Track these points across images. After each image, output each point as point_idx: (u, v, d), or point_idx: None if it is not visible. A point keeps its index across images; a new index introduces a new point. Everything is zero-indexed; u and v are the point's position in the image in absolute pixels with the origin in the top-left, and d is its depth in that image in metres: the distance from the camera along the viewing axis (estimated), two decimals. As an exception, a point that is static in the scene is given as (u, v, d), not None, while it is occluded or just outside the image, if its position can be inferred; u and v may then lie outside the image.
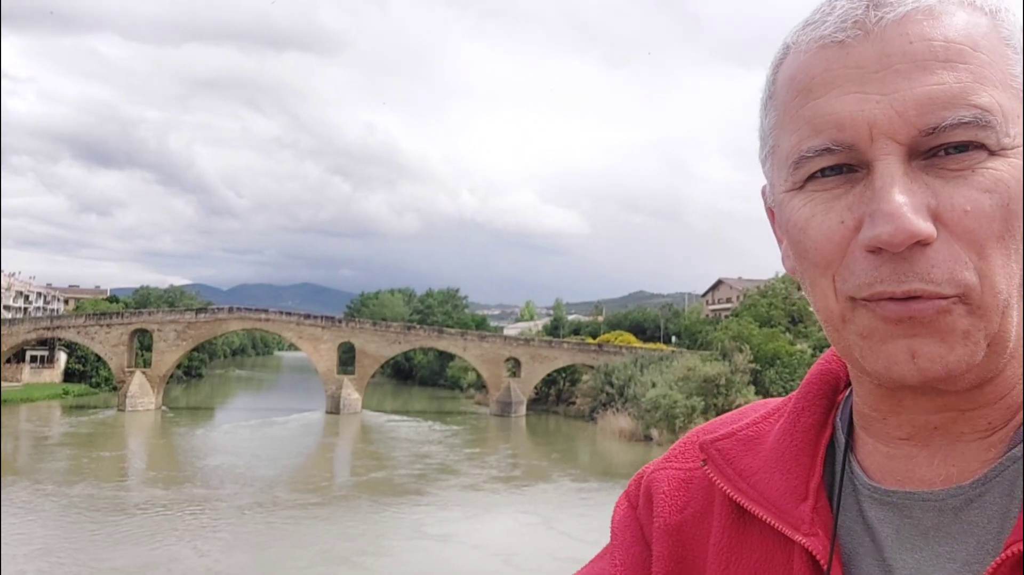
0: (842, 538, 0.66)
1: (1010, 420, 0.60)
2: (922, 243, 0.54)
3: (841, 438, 0.70)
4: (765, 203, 0.71)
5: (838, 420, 0.72)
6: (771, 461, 0.72)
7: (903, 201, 0.54)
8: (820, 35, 0.60)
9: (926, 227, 0.54)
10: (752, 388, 38.20)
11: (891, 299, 0.56)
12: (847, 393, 0.73)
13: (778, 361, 40.15)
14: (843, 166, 0.58)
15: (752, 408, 0.80)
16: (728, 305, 73.52)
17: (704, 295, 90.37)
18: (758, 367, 39.41)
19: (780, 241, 0.68)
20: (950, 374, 0.56)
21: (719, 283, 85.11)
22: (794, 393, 0.76)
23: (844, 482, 0.67)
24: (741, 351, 39.73)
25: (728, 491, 0.72)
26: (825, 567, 0.64)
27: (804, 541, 0.65)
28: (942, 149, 0.55)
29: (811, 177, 0.60)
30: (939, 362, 0.55)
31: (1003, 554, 0.55)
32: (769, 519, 0.68)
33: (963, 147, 0.55)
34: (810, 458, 0.70)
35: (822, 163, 0.59)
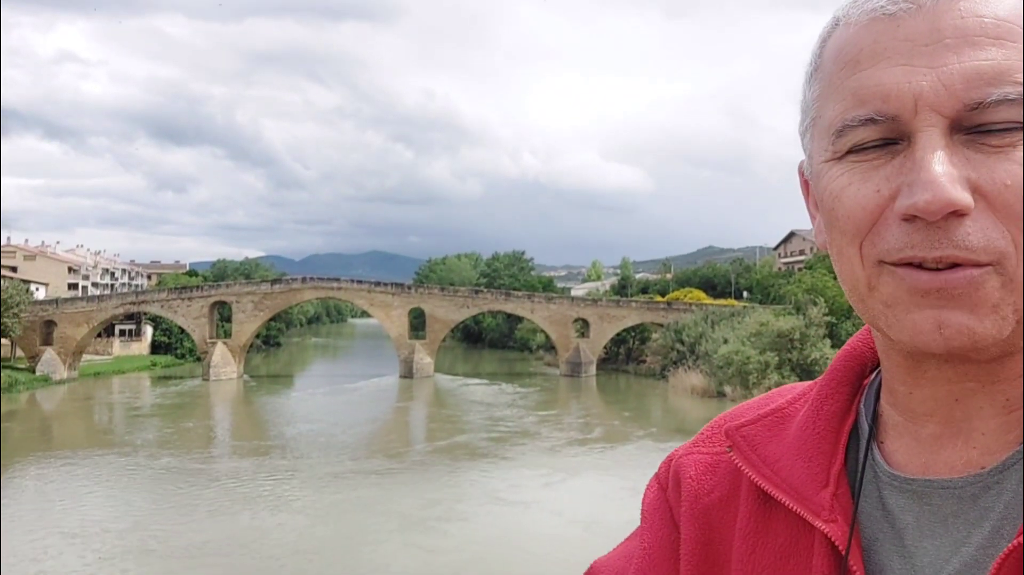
0: (862, 524, 0.67)
1: None
2: (959, 214, 0.55)
3: (864, 425, 0.71)
4: (800, 178, 0.72)
5: (862, 407, 0.73)
6: (794, 448, 0.73)
7: (942, 171, 0.55)
8: (872, 8, 0.60)
9: (964, 197, 0.54)
10: (828, 342, 37.12)
11: (921, 267, 0.56)
12: (873, 376, 0.74)
13: (854, 313, 38.76)
14: (884, 139, 0.59)
15: (778, 393, 0.82)
16: (801, 258, 71.50)
17: (776, 248, 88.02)
18: (834, 320, 38.24)
19: (813, 217, 0.69)
20: (976, 345, 0.57)
21: (791, 235, 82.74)
22: (820, 378, 0.77)
23: (865, 470, 0.69)
24: (816, 304, 38.60)
25: (752, 477, 0.74)
26: (843, 553, 0.65)
27: (824, 527, 0.67)
28: (984, 127, 0.56)
29: (851, 149, 0.60)
30: (967, 334, 0.56)
31: (1016, 539, 0.56)
32: (791, 505, 0.70)
33: (1005, 126, 0.55)
34: (832, 445, 0.71)
35: (865, 134, 0.59)
